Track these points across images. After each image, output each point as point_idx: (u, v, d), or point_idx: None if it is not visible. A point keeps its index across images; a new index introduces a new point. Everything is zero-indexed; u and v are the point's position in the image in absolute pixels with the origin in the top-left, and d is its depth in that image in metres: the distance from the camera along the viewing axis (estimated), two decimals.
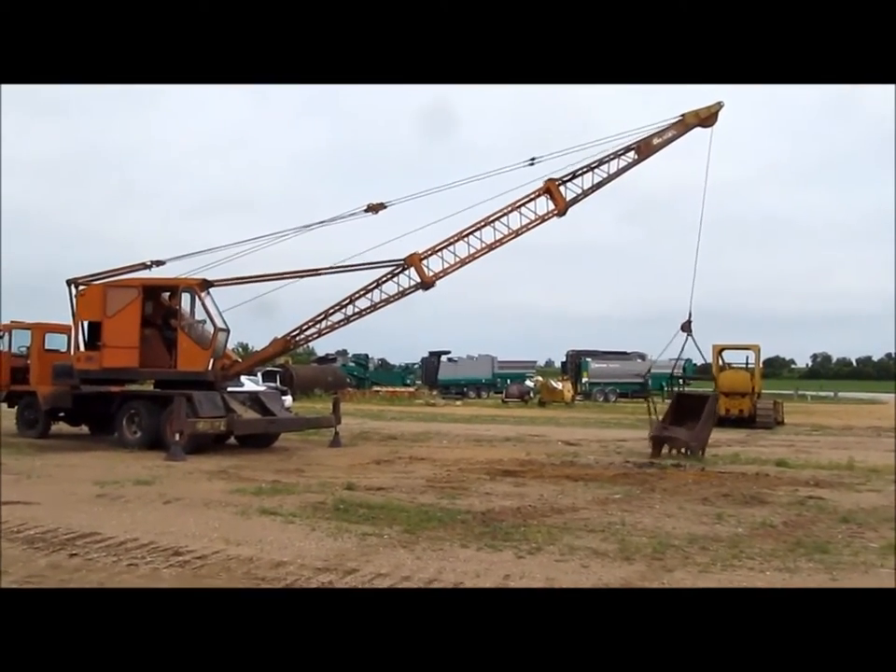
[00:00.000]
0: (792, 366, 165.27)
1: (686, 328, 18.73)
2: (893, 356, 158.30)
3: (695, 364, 59.92)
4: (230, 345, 21.93)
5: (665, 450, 18.84)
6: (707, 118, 18.72)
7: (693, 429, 18.62)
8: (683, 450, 18.61)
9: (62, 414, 22.13)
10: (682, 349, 19.07)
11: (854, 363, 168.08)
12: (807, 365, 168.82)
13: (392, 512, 10.71)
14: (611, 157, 18.92)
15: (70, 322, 20.87)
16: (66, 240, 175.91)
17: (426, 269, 19.33)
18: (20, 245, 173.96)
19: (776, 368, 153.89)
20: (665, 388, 56.22)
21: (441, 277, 19.46)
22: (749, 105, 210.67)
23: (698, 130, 18.86)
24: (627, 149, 18.90)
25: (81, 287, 20.54)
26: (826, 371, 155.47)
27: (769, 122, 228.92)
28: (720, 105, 18.75)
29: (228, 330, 20.62)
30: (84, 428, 22.68)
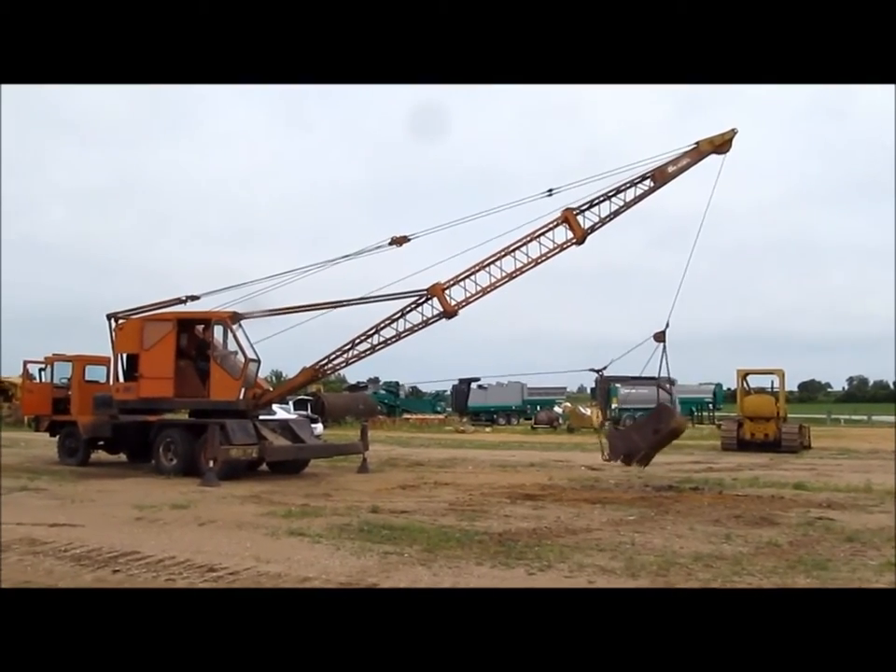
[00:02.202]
0: (828, 389, 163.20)
1: (659, 337, 18.14)
2: None
3: (726, 389, 60.06)
4: (261, 375, 22.65)
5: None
6: (721, 144, 18.82)
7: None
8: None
9: (101, 443, 22.99)
10: (662, 360, 18.27)
11: (892, 386, 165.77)
12: (843, 388, 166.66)
13: (413, 533, 11.28)
14: (628, 185, 19.15)
15: (109, 354, 21.81)
16: (103, 270, 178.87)
17: (448, 298, 19.85)
18: (59, 276, 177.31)
19: (811, 391, 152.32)
20: (695, 413, 56.49)
21: (463, 306, 19.92)
22: (781, 126, 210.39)
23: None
24: (643, 178, 19.12)
25: (120, 321, 21.49)
26: (863, 394, 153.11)
27: (802, 143, 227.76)
28: (733, 132, 18.84)
29: (258, 361, 21.29)
30: (122, 456, 23.51)
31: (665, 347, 18.17)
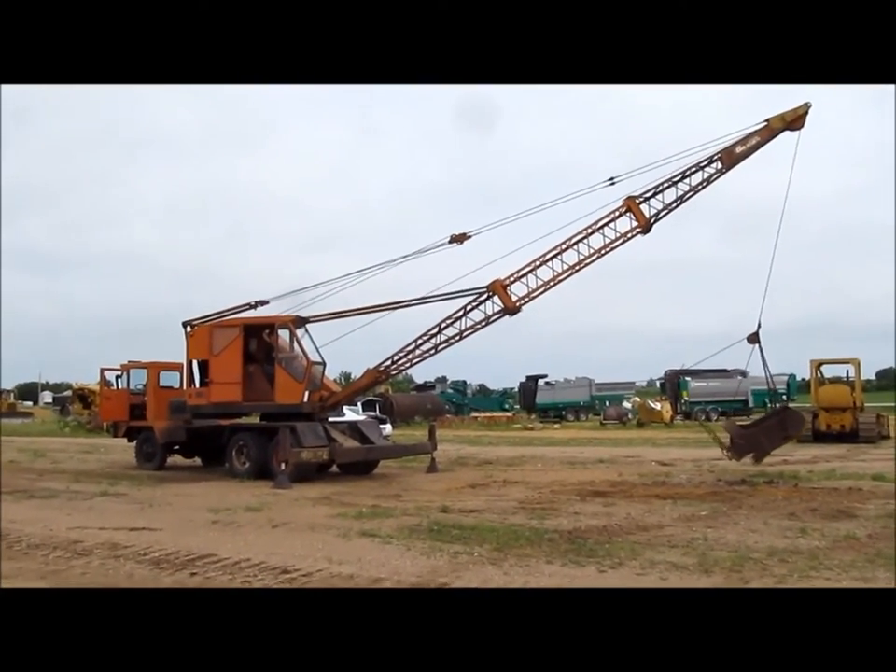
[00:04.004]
0: None
1: (753, 339, 17.90)
2: None
3: (801, 379, 58.76)
4: (330, 376, 22.92)
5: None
6: (794, 120, 17.89)
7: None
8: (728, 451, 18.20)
9: (176, 447, 23.51)
10: (764, 361, 18.30)
11: None
12: None
13: (483, 533, 11.30)
14: (694, 169, 18.57)
15: (183, 361, 22.33)
16: (184, 279, 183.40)
17: (510, 294, 19.72)
18: (146, 285, 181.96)
19: (890, 379, 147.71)
20: (769, 405, 55.36)
21: (525, 302, 19.76)
22: (866, 110, 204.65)
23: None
24: (710, 160, 18.45)
25: (192, 328, 21.97)
26: None
27: (883, 127, 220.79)
28: (807, 107, 17.82)
29: (323, 363, 21.54)
30: (197, 460, 24.01)
31: (761, 349, 18.01)
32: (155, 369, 24.31)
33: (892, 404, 62.59)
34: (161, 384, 24.20)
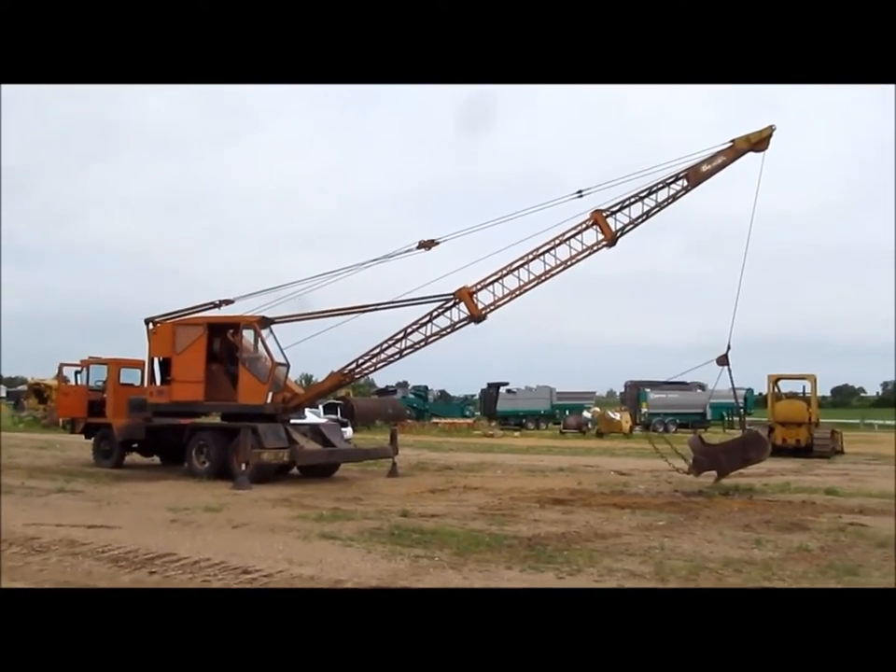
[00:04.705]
0: (862, 394, 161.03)
1: (722, 361, 18.26)
2: None
3: (758, 394, 59.58)
4: (291, 378, 22.85)
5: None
6: (758, 142, 18.40)
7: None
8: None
9: (135, 446, 23.29)
10: (732, 381, 18.63)
11: None
12: (878, 393, 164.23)
13: (443, 537, 11.37)
14: (660, 185, 18.90)
15: (145, 358, 22.14)
16: (158, 276, 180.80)
17: (476, 302, 19.83)
18: (121, 283, 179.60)
19: (844, 396, 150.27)
20: (726, 418, 56.13)
21: (491, 310, 19.88)
22: (828, 132, 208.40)
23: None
24: (676, 177, 18.81)
25: (154, 326, 21.80)
26: None
27: (845, 148, 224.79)
28: (771, 129, 18.37)
29: (287, 365, 21.52)
30: (155, 459, 23.85)
31: (730, 370, 18.30)
32: (115, 365, 24.05)
33: (847, 420, 63.91)
34: (121, 381, 23.95)
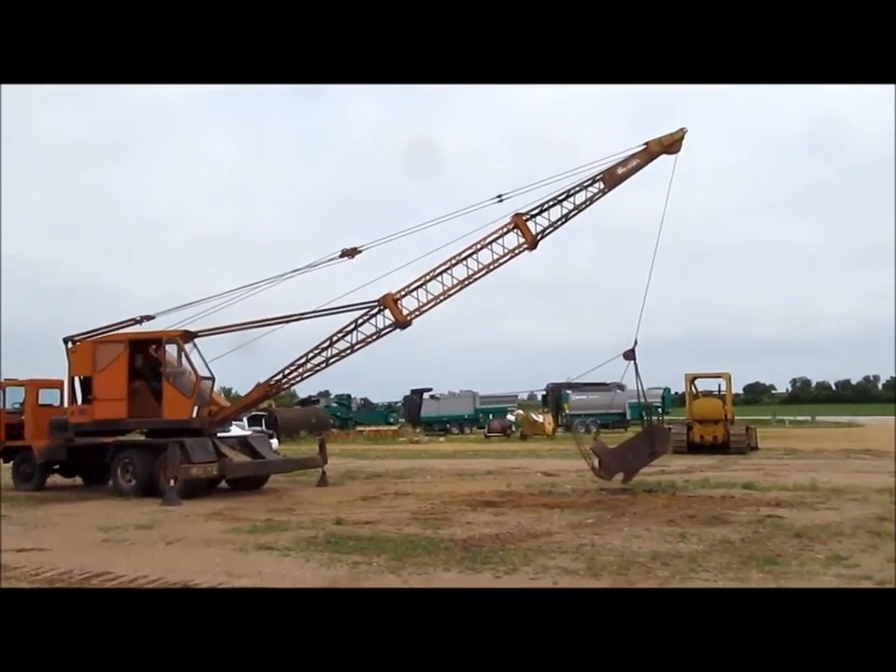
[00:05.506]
0: (773, 391, 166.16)
1: (629, 355, 18.68)
2: (871, 379, 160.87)
3: (675, 393, 61.07)
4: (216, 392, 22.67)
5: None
6: (670, 144, 18.91)
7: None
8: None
9: (56, 467, 22.80)
10: (637, 376, 19.04)
11: (833, 387, 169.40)
12: (787, 390, 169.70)
13: (380, 543, 11.56)
14: (578, 188, 19.24)
15: (63, 378, 21.69)
16: (61, 294, 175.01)
17: (400, 308, 19.99)
18: (23, 302, 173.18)
19: (756, 393, 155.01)
20: (646, 418, 57.33)
21: (416, 316, 20.06)
22: (729, 137, 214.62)
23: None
24: (593, 180, 19.19)
25: (73, 344, 21.36)
26: (806, 395, 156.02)
27: (746, 153, 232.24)
28: (683, 132, 18.92)
29: (212, 378, 21.37)
30: (78, 480, 23.35)
31: (636, 365, 18.72)
32: (33, 386, 23.52)
33: (760, 417, 66.02)
34: (39, 402, 23.42)
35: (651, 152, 19.10)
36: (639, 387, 19.49)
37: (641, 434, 20.20)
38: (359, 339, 20.32)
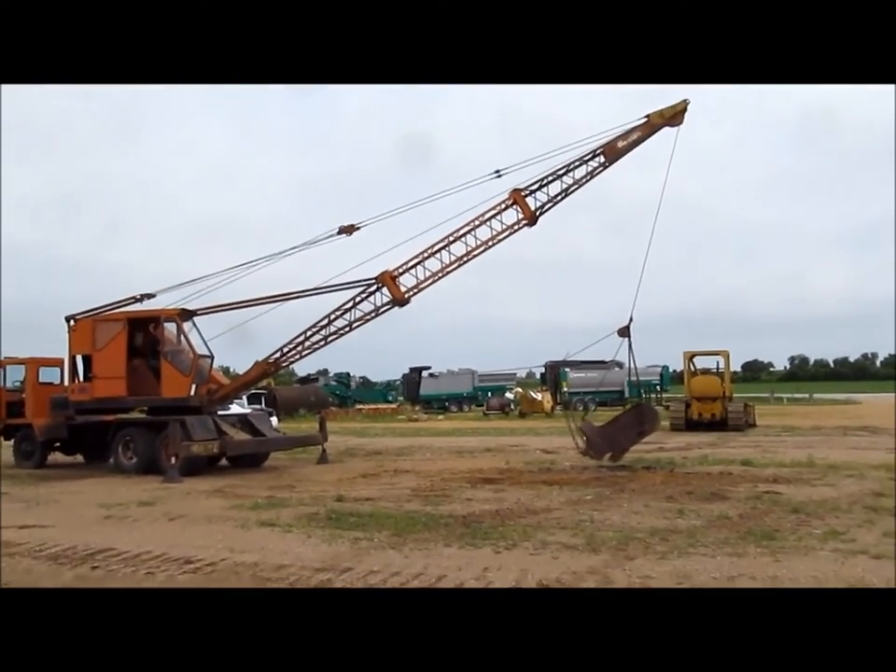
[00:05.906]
0: (771, 369, 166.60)
1: (623, 332, 18.54)
2: (870, 356, 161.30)
3: (673, 371, 61.18)
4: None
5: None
6: (672, 117, 18.51)
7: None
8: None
9: (57, 445, 22.93)
10: (631, 353, 18.94)
11: (831, 364, 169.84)
12: (785, 368, 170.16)
13: (380, 519, 11.66)
14: (578, 163, 18.97)
15: (64, 356, 21.75)
16: (62, 275, 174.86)
17: (399, 285, 19.95)
18: (23, 281, 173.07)
19: (754, 371, 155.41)
20: (644, 395, 57.41)
21: (414, 293, 20.01)
22: (727, 118, 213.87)
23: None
24: (594, 154, 18.90)
25: (74, 323, 21.39)
26: (804, 373, 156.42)
27: (744, 134, 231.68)
28: (685, 103, 18.50)
29: (211, 356, 21.40)
30: (79, 457, 23.46)
31: (630, 342, 18.61)
32: (34, 365, 23.59)
33: (758, 394, 66.18)
34: (40, 380, 23.49)
35: (652, 125, 18.75)
36: (632, 364, 19.44)
37: (629, 412, 20.20)
38: (358, 317, 20.31)
